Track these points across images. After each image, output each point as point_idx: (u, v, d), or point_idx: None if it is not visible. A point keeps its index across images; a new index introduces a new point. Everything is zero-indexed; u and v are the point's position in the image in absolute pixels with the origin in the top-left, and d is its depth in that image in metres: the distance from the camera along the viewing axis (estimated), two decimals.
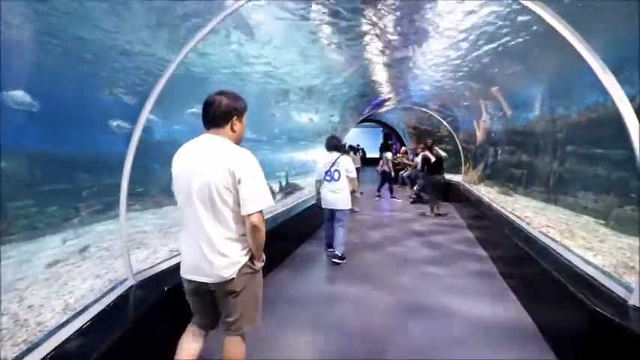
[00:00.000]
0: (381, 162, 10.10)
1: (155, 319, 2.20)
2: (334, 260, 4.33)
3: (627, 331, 1.86)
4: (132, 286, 2.37)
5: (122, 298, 2.23)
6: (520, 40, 4.33)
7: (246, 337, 1.79)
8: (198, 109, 1.76)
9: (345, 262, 4.35)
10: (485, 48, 4.97)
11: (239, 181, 1.54)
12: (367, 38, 5.26)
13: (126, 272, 2.41)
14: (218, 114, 1.64)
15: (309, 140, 9.64)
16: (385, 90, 9.00)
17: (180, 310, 2.48)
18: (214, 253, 1.58)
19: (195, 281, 1.67)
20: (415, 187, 9.48)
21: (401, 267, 4.37)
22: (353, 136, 20.83)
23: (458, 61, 5.91)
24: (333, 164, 4.31)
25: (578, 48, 2.04)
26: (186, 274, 1.70)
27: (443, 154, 7.74)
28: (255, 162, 1.62)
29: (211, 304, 1.76)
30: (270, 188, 1.94)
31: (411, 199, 9.31)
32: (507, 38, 4.47)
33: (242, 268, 1.65)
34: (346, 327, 2.87)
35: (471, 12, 4.15)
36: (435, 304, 3.29)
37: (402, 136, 16.94)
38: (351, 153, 9.08)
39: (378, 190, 10.14)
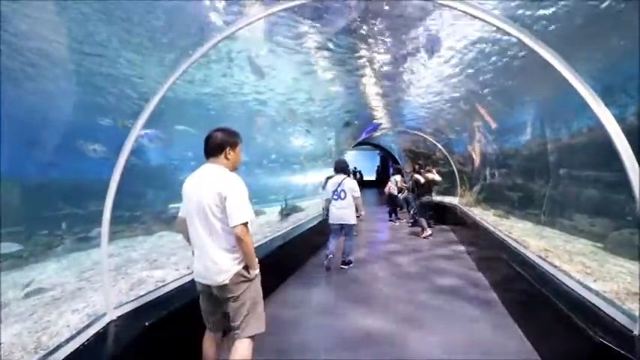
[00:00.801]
0: (388, 184, 10.10)
1: (133, 359, 2.06)
2: (342, 267, 5.09)
3: None
4: (111, 322, 2.24)
5: (99, 335, 2.10)
6: (511, 65, 4.42)
7: (252, 340, 2.03)
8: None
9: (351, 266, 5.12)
10: (478, 74, 5.07)
11: (225, 199, 1.87)
12: (361, 65, 5.40)
13: (105, 306, 2.28)
14: (214, 146, 2.01)
15: (304, 164, 9.65)
16: (380, 115, 9.14)
17: (161, 347, 2.35)
18: (209, 261, 1.93)
19: (202, 284, 2.02)
20: (412, 210, 9.41)
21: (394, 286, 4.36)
22: (350, 159, 21.00)
23: (450, 87, 6.03)
24: (340, 185, 4.93)
25: (566, 75, 2.05)
26: (196, 277, 2.05)
27: (435, 177, 7.87)
28: (240, 184, 1.95)
29: (218, 305, 2.07)
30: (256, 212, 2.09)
31: (410, 223, 9.21)
32: (500, 63, 4.56)
33: (235, 276, 1.93)
34: None
35: (461, 39, 4.26)
36: (433, 333, 3.12)
37: (398, 159, 17.04)
38: None
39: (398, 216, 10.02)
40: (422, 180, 7.62)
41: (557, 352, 2.56)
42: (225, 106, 6.32)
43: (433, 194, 8.08)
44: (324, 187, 7.58)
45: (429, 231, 7.51)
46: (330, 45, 4.70)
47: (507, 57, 4.26)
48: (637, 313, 2.08)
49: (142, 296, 2.60)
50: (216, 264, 1.91)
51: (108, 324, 2.21)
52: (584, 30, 3.40)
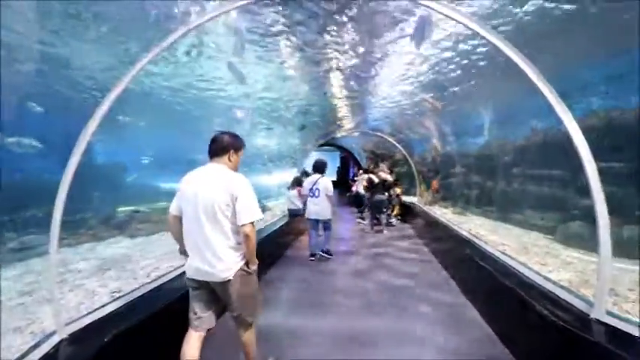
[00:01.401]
0: (356, 184, 10.26)
1: None
2: (324, 256, 5.55)
3: (595, 346, 1.91)
4: (62, 341, 1.95)
5: (49, 357, 1.81)
6: (472, 70, 4.67)
7: (254, 324, 2.22)
8: None
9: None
10: (441, 77, 5.29)
11: (236, 199, 1.97)
12: (329, 66, 5.39)
13: (55, 323, 1.98)
14: (220, 147, 2.12)
15: (267, 164, 9.42)
16: (343, 115, 9.21)
17: None
18: (215, 258, 1.98)
19: (198, 281, 2.06)
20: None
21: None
22: (310, 160, 20.99)
23: (412, 90, 6.24)
24: (315, 183, 5.45)
25: (532, 77, 2.18)
26: (191, 275, 2.07)
27: (388, 177, 8.30)
28: (248, 184, 2.06)
29: (211, 300, 2.13)
30: None
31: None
32: (462, 68, 4.79)
33: (238, 271, 2.04)
34: None
35: (426, 43, 4.39)
36: (401, 326, 3.17)
37: (359, 159, 17.41)
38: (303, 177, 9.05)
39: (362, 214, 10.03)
40: (376, 180, 7.98)
41: (521, 338, 2.73)
42: (190, 101, 5.97)
43: (392, 192, 8.58)
44: (289, 188, 7.60)
45: (367, 226, 8.05)
46: (300, 45, 4.65)
47: (469, 62, 4.50)
48: (592, 299, 2.28)
49: (97, 309, 2.31)
50: (222, 261, 1.99)
51: (58, 343, 1.93)
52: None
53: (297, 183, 7.41)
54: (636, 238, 3.14)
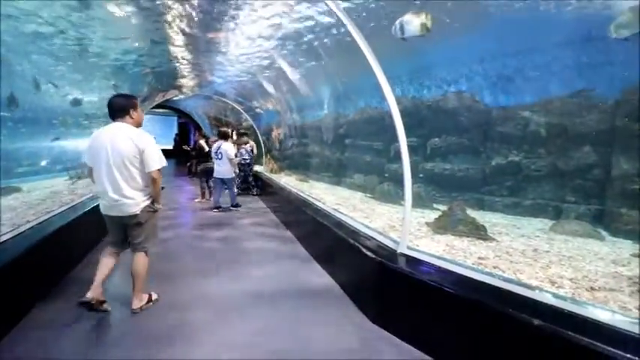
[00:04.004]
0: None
1: None
2: (233, 209, 6.82)
3: (399, 271, 2.60)
4: None
5: None
6: (320, 48, 5.01)
7: (148, 254, 2.78)
8: None
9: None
10: (293, 52, 5.43)
11: (143, 151, 2.51)
12: (170, 16, 4.62)
13: None
14: (118, 110, 2.59)
15: (68, 123, 7.23)
16: (186, 72, 8.18)
17: None
18: (125, 198, 2.54)
19: (111, 216, 2.63)
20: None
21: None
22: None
23: (264, 60, 6.22)
24: (219, 148, 6.55)
25: (371, 61, 2.58)
26: (105, 212, 2.64)
27: (205, 147, 8.22)
28: (152, 139, 2.62)
29: (122, 229, 2.72)
30: None
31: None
32: (309, 43, 5.04)
33: (144, 208, 2.63)
34: None
35: (281, 15, 4.40)
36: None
37: (202, 125, 16.12)
38: None
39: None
40: (206, 147, 7.85)
41: (348, 270, 3.39)
42: None
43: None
44: None
45: (200, 197, 7.90)
46: None
47: (319, 39, 4.80)
48: (398, 239, 3.04)
49: None
50: (132, 199, 2.56)
51: None
52: None
53: None
54: (422, 194, 4.40)
